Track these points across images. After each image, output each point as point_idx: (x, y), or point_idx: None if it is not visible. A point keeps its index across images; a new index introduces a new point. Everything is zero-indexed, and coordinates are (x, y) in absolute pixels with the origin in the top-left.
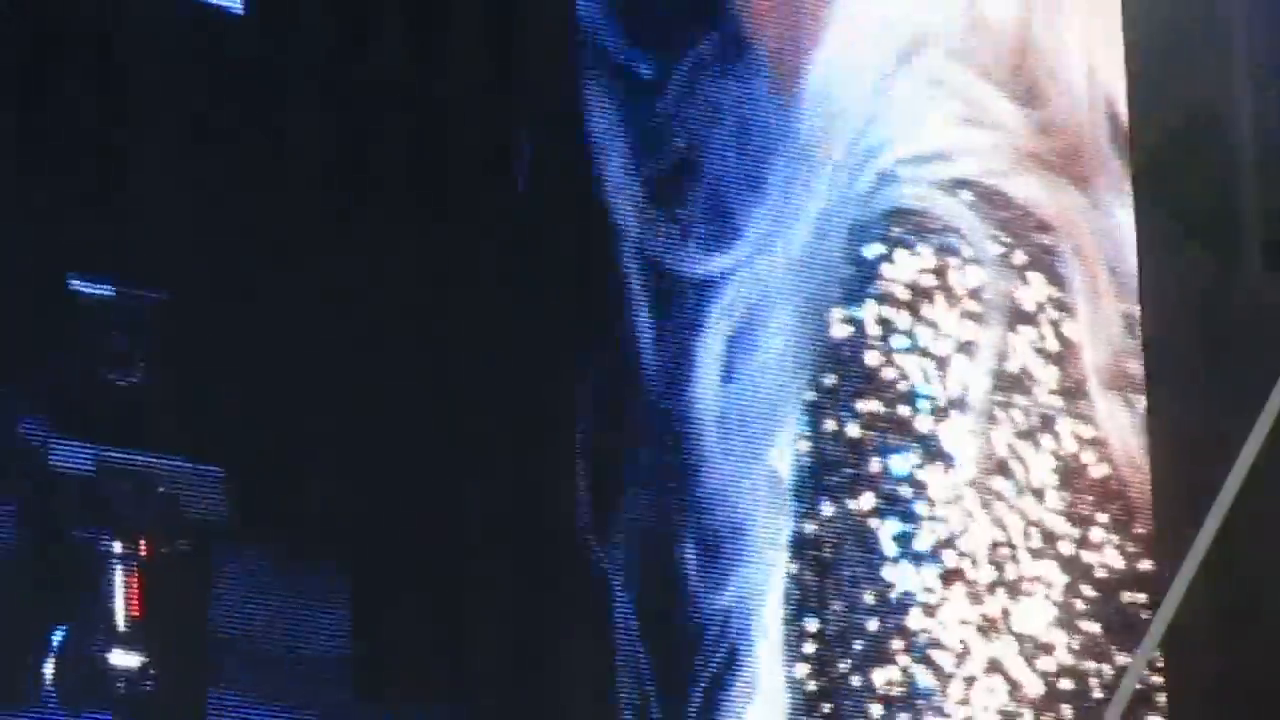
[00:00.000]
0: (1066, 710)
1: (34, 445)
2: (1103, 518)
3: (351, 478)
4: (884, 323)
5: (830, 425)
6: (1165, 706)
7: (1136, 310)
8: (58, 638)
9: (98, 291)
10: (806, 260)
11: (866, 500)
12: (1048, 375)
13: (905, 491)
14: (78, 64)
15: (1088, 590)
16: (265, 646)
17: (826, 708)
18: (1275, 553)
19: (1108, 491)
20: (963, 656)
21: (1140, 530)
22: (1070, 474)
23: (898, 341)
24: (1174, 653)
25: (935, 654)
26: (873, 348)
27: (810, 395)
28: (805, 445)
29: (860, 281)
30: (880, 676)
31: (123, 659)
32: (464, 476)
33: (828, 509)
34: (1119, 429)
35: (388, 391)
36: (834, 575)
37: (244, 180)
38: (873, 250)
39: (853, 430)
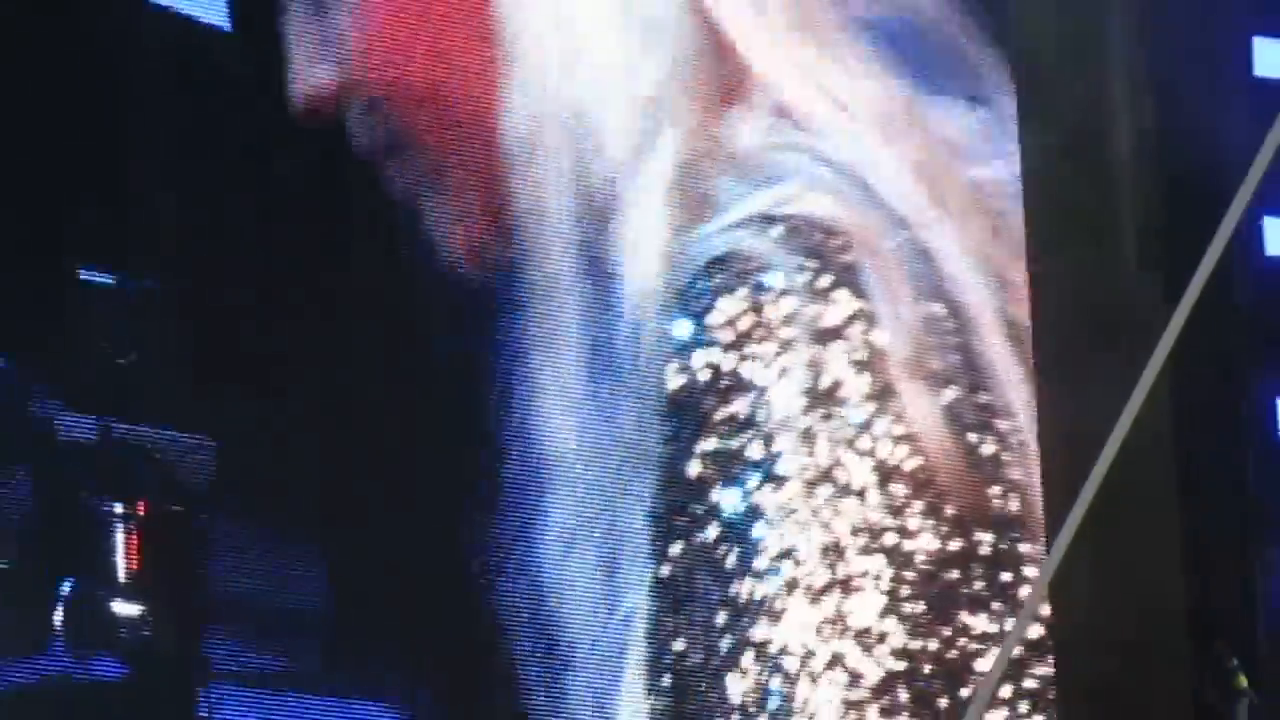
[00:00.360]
0: (902, 693)
1: (45, 418)
2: (918, 505)
3: (330, 448)
4: (713, 367)
5: (674, 471)
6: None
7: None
8: (66, 589)
9: (102, 281)
10: (637, 325)
11: (712, 531)
12: (860, 382)
13: (744, 516)
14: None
15: (911, 575)
16: (250, 597)
17: None
18: (1144, 528)
19: (919, 481)
20: (807, 658)
21: (951, 511)
22: (887, 471)
23: (727, 380)
24: (1056, 609)
25: (783, 660)
26: (706, 391)
27: (655, 448)
28: (653, 495)
29: (690, 331)
30: (735, 689)
31: (124, 608)
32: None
33: (676, 548)
34: (927, 420)
35: (366, 372)
36: (687, 608)
37: (235, 180)
38: (698, 302)
39: (694, 469)
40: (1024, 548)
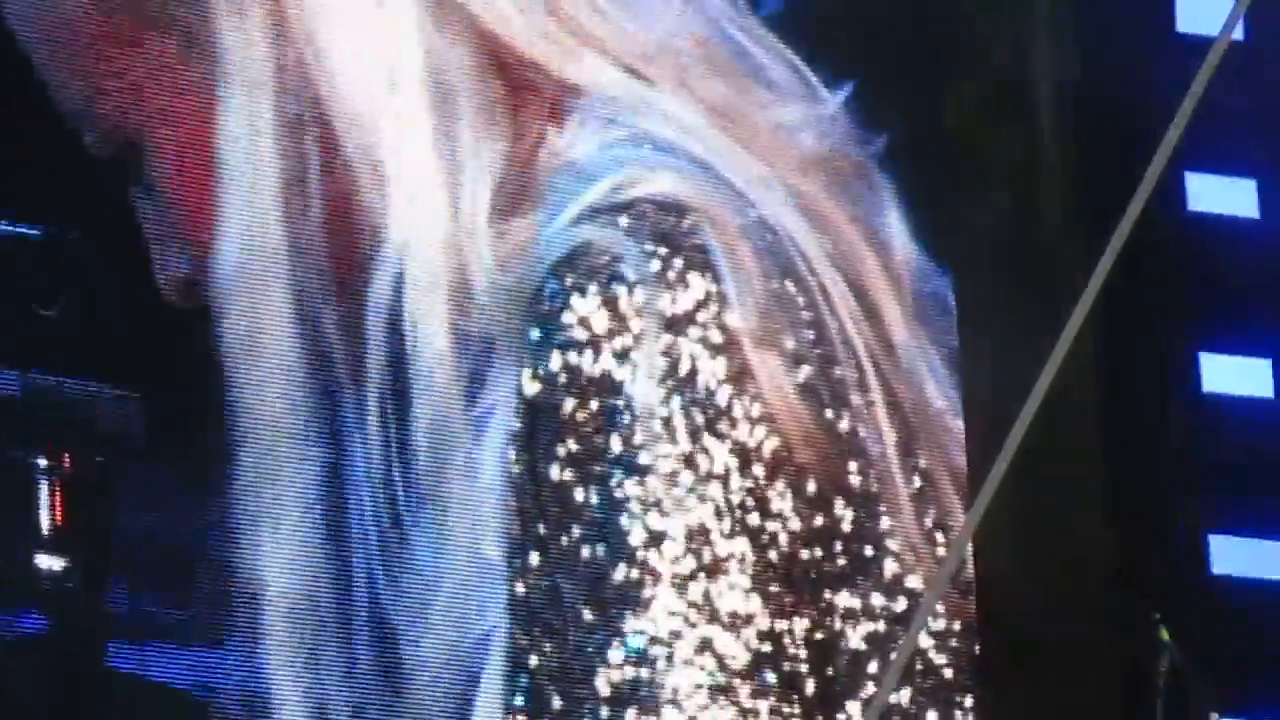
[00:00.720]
0: (769, 675)
1: None
2: (779, 485)
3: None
4: (569, 368)
5: (535, 477)
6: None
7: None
8: None
9: (24, 231)
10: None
11: (575, 531)
12: (716, 366)
13: (608, 512)
14: None
15: (773, 555)
16: (173, 549)
17: None
18: (1068, 482)
19: (779, 460)
20: (674, 645)
21: (812, 489)
22: (747, 453)
23: (585, 380)
24: (979, 564)
25: (652, 649)
26: (564, 395)
27: (511, 455)
28: (513, 504)
29: (543, 336)
30: (603, 684)
31: (47, 561)
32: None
33: (535, 559)
34: (784, 399)
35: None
36: (547, 615)
37: None
38: (550, 304)
39: (555, 473)
40: (885, 522)
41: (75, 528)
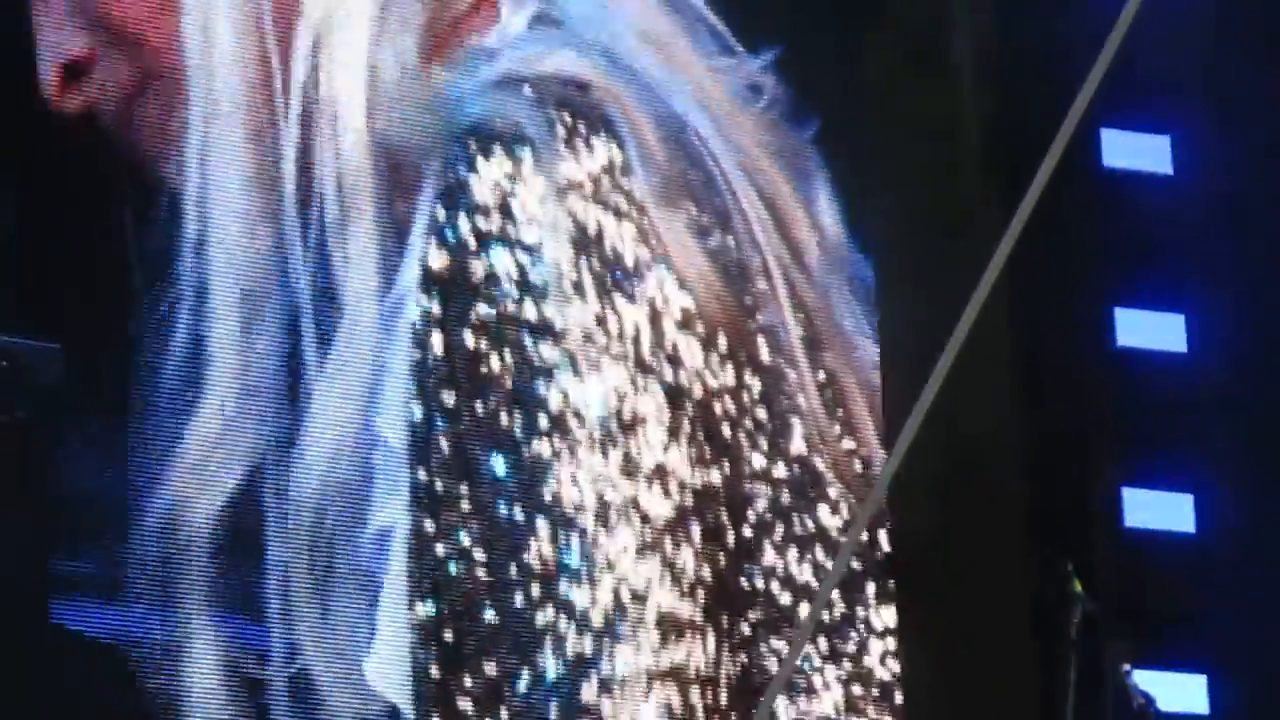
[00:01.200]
0: (695, 527)
1: None
2: (692, 343)
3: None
4: (479, 232)
5: (448, 346)
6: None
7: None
8: None
9: None
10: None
11: (493, 399)
12: (625, 230)
13: (524, 378)
14: None
15: (691, 411)
16: (101, 504)
17: (448, 635)
18: (984, 434)
19: (689, 318)
20: (602, 508)
21: (723, 348)
22: (658, 313)
23: (495, 246)
24: (895, 512)
25: (578, 516)
26: (472, 257)
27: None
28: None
29: (450, 205)
30: (533, 555)
31: None
32: None
33: (445, 445)
34: (687, 253)
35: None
36: (449, 514)
37: None
38: (456, 172)
39: (469, 341)
40: (792, 400)
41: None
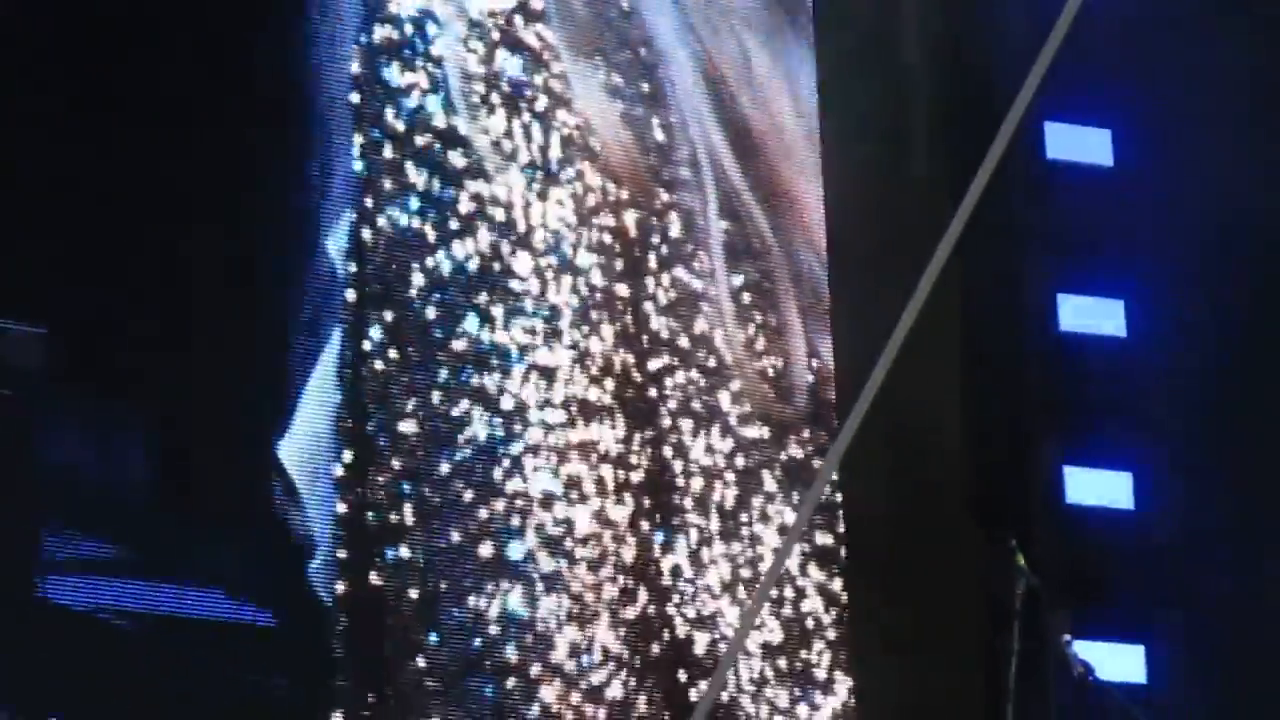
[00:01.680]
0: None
1: None
2: (592, 175)
3: (157, 335)
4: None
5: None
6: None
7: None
8: None
9: None
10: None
11: (413, 202)
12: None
13: (442, 190)
14: None
15: (613, 261)
16: (83, 473)
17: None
18: (931, 415)
19: (585, 150)
20: (546, 396)
21: (625, 195)
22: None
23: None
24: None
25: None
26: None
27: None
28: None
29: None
30: (481, 431)
31: None
32: None
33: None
34: (600, 109)
35: (188, 259)
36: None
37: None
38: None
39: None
40: (698, 217)
41: None
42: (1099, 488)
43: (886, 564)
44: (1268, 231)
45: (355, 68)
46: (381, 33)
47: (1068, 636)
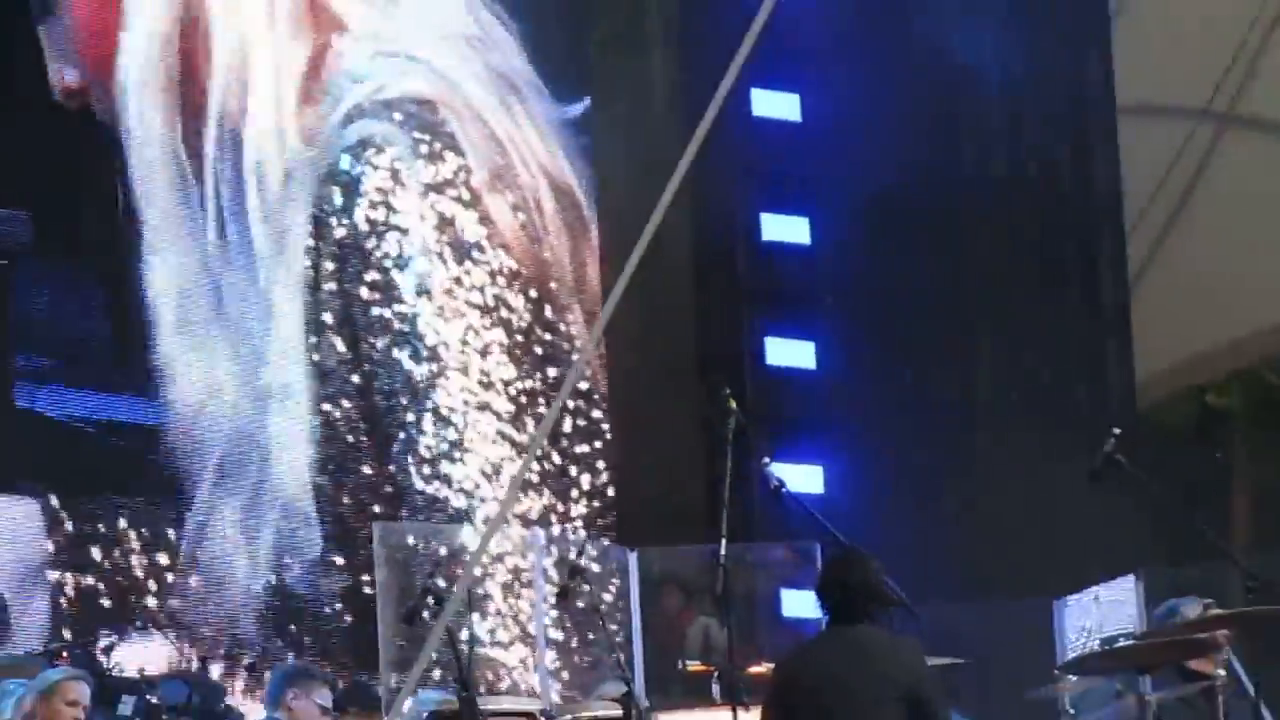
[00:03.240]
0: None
1: None
2: (514, 290)
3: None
4: (370, 220)
5: (347, 297)
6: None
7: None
8: None
9: None
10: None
11: (380, 340)
12: (469, 215)
13: (408, 319)
14: None
15: (518, 337)
16: (65, 330)
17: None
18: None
19: (512, 273)
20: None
21: (534, 294)
22: (494, 271)
23: (380, 227)
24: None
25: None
26: (366, 238)
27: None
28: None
29: (345, 199)
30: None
31: None
32: None
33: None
34: (511, 228)
35: None
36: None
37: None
38: (349, 175)
39: (364, 293)
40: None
41: None
42: (790, 354)
43: (639, 404)
44: (920, 172)
45: None
46: None
47: (767, 459)
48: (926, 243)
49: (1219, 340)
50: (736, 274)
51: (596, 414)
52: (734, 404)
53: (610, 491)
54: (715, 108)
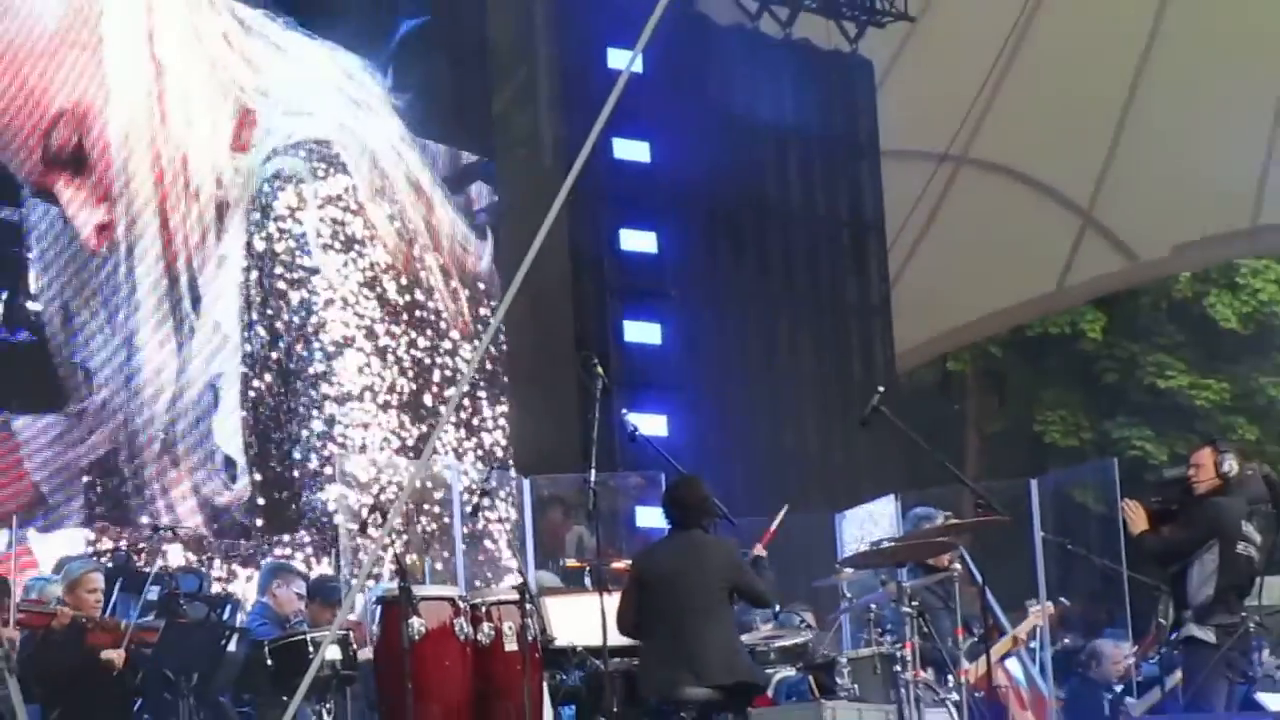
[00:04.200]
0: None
1: None
2: (388, 277)
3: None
4: (281, 230)
5: (265, 289)
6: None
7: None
8: None
9: None
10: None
11: (290, 315)
12: (356, 222)
13: (308, 306)
14: None
15: (390, 324)
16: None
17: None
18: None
19: (387, 265)
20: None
21: (404, 281)
22: (374, 263)
23: (289, 233)
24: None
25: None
26: (278, 241)
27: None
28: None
29: (263, 215)
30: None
31: None
32: None
33: (262, 332)
34: (388, 230)
35: None
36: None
37: None
38: (267, 199)
39: (281, 287)
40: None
41: None
42: (642, 333)
43: (530, 370)
44: (738, 199)
45: None
46: None
47: (625, 411)
48: (743, 251)
49: (956, 323)
50: (602, 274)
51: (503, 379)
52: (600, 370)
53: (509, 435)
54: (585, 152)
